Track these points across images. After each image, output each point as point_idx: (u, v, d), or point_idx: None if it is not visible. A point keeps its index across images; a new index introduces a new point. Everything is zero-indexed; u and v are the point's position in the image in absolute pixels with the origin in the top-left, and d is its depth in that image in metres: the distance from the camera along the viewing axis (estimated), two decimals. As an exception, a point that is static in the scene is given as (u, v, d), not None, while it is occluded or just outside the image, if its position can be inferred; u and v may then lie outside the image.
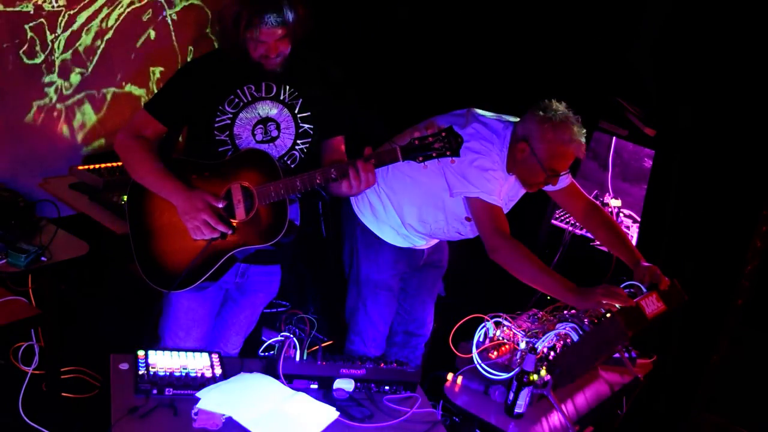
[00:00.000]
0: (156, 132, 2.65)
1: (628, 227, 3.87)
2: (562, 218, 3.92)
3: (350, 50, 4.30)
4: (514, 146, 2.92)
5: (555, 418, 2.62)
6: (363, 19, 4.26)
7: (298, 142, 2.71)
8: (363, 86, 4.31)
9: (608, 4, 3.45)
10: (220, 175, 2.60)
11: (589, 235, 3.83)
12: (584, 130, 2.86)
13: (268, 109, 2.65)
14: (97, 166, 3.88)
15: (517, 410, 2.53)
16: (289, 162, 2.71)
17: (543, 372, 2.58)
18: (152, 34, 4.35)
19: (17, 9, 3.75)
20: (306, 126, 2.71)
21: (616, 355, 2.97)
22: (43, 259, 3.10)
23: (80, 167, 3.89)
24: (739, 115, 3.22)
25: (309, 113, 2.70)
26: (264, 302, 3.03)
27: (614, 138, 3.94)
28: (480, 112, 3.03)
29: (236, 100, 2.61)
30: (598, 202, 3.24)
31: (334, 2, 4.19)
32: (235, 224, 2.56)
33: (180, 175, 2.59)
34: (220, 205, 2.54)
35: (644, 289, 2.82)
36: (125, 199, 2.71)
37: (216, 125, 2.60)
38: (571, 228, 3.85)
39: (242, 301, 2.95)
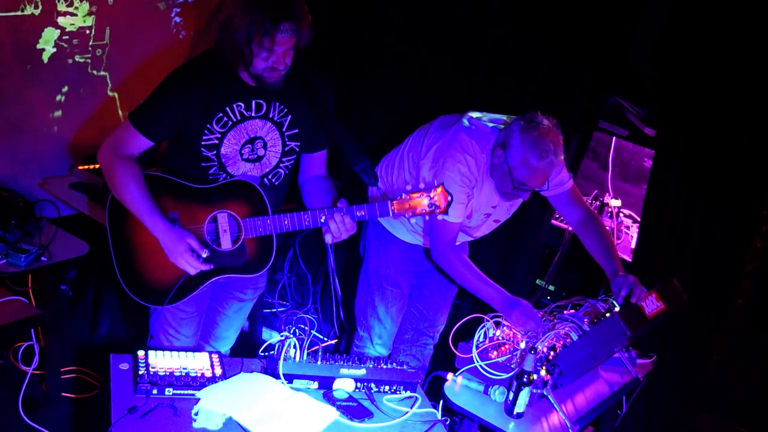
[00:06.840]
0: (141, 147, 2.57)
1: (628, 227, 3.86)
2: (562, 218, 3.92)
3: (347, 52, 4.30)
4: (494, 151, 2.91)
5: (555, 418, 2.62)
6: (360, 21, 4.26)
7: (284, 159, 2.69)
8: (361, 88, 4.31)
9: (608, 4, 3.45)
10: (205, 200, 2.58)
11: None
12: (562, 147, 2.83)
13: (256, 128, 2.60)
14: (97, 166, 3.88)
15: (517, 410, 2.53)
16: (273, 180, 2.70)
17: (543, 372, 2.59)
18: (155, 34, 4.35)
19: (18, 12, 3.75)
20: (292, 144, 2.68)
21: (616, 355, 2.97)
22: (43, 259, 3.11)
23: (80, 167, 3.90)
24: (739, 115, 3.22)
25: (296, 130, 2.67)
26: (253, 297, 3.01)
27: (614, 138, 3.94)
28: (474, 114, 3.01)
29: (225, 119, 2.54)
30: (596, 213, 3.21)
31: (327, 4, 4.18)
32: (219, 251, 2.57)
33: (163, 196, 2.55)
34: (204, 255, 2.53)
35: (617, 303, 2.80)
36: (106, 213, 2.62)
37: (203, 143, 2.55)
38: (571, 228, 3.84)
39: (231, 297, 2.94)
